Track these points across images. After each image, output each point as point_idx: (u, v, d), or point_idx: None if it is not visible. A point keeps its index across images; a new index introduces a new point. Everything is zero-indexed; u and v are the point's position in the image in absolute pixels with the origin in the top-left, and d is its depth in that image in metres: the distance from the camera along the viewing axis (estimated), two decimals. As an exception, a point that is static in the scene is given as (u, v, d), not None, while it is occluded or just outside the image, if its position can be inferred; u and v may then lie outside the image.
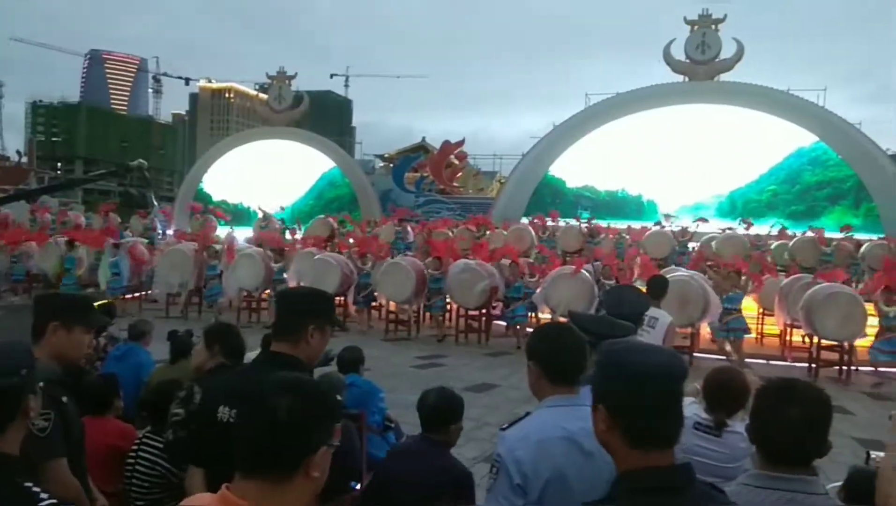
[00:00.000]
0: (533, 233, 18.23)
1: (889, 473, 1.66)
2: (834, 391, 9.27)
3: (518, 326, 11.69)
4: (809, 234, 17.06)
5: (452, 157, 28.54)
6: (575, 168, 24.60)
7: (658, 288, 5.55)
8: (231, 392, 2.18)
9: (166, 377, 3.96)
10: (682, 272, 11.05)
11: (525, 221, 21.30)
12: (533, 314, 11.90)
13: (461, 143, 28.44)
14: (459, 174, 29.79)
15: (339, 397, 3.96)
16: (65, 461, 2.23)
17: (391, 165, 30.80)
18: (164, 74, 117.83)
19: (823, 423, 1.85)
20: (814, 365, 10.35)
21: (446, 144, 27.98)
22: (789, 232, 17.89)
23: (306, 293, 2.51)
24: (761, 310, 12.44)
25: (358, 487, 4.43)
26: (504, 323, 12.30)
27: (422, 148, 31.75)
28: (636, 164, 23.52)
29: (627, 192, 24.63)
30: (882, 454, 2.59)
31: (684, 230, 17.57)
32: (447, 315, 12.61)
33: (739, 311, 10.33)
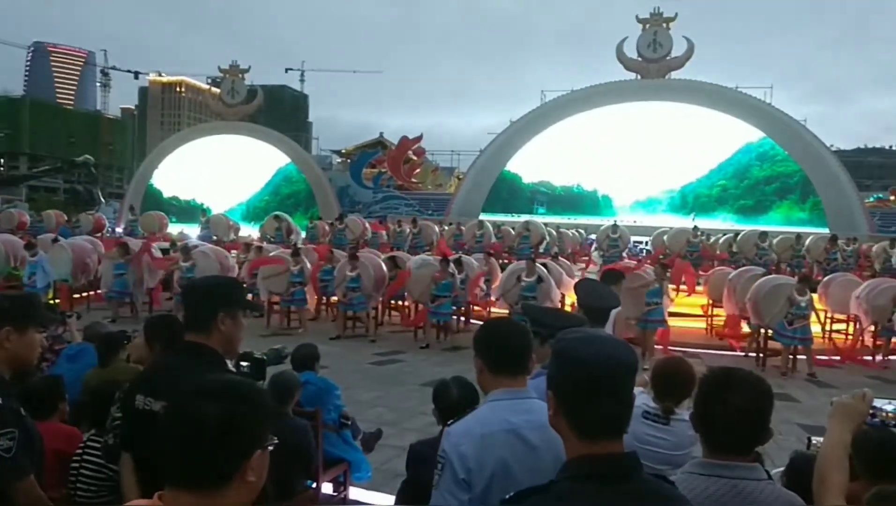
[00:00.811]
0: (491, 229, 18.36)
1: (825, 455, 1.74)
2: (780, 380, 9.71)
3: (441, 323, 11.46)
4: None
5: (410, 152, 28.49)
6: (531, 164, 24.87)
7: (612, 281, 5.66)
8: (148, 382, 2.20)
9: (102, 379, 3.83)
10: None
11: (484, 217, 21.41)
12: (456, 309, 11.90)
13: (419, 138, 28.41)
14: (418, 170, 29.77)
15: (291, 394, 3.95)
16: (32, 478, 2.17)
17: (349, 161, 30.56)
18: (113, 68, 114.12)
19: (765, 411, 1.91)
20: (761, 354, 10.70)
21: (404, 139, 27.92)
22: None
23: (213, 281, 2.48)
24: (710, 302, 12.79)
25: (314, 485, 4.42)
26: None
27: (380, 143, 31.60)
28: (591, 159, 23.91)
29: (583, 187, 25.03)
30: (822, 439, 2.71)
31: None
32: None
33: (659, 303, 10.56)
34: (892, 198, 24.39)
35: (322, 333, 11.50)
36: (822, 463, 1.73)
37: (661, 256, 17.30)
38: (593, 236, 19.33)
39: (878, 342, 11.29)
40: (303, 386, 4.20)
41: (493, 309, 12.17)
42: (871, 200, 25.45)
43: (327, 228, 19.34)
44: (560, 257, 15.15)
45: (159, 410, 2.06)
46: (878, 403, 1.81)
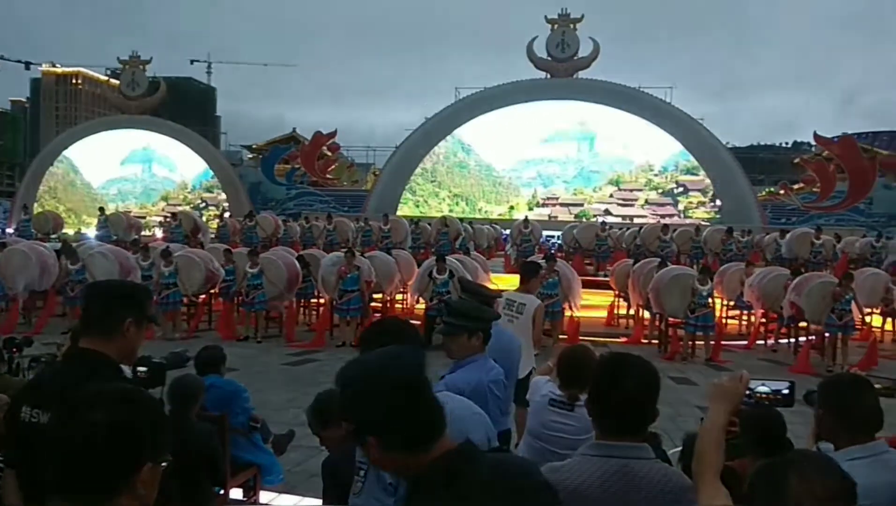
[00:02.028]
0: (408, 226, 18.37)
1: (703, 435, 1.84)
2: (681, 365, 10.24)
3: (349, 320, 11.23)
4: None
5: (325, 148, 28.03)
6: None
7: (529, 273, 5.79)
8: (35, 392, 2.08)
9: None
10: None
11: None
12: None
13: (333, 134, 27.97)
14: (333, 166, 29.32)
15: (194, 399, 3.82)
16: None
17: (260, 157, 29.70)
18: (1, 58, 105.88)
19: (653, 393, 2.02)
20: (663, 342, 11.25)
21: (318, 134, 27.39)
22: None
23: (124, 284, 2.38)
24: (617, 292, 13.33)
25: (222, 491, 4.29)
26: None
27: (292, 139, 30.86)
28: (507, 154, 24.42)
29: (501, 182, 25.55)
30: (710, 419, 2.88)
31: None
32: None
33: (557, 295, 10.92)
34: (781, 192, 26.11)
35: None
36: (700, 443, 1.83)
37: (571, 251, 17.93)
38: (507, 231, 19.70)
39: (770, 327, 12.12)
40: (207, 390, 4.07)
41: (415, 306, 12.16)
42: (763, 193, 27.19)
43: (238, 225, 18.77)
44: (475, 252, 15.37)
45: (47, 422, 1.94)
46: (752, 384, 1.92)
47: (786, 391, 1.94)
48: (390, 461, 1.42)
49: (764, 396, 1.94)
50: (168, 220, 20.60)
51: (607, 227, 18.16)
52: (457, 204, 25.42)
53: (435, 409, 1.43)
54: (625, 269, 12.91)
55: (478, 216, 23.49)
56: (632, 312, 12.82)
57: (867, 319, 11.98)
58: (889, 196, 23.31)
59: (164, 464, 1.30)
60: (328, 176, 28.59)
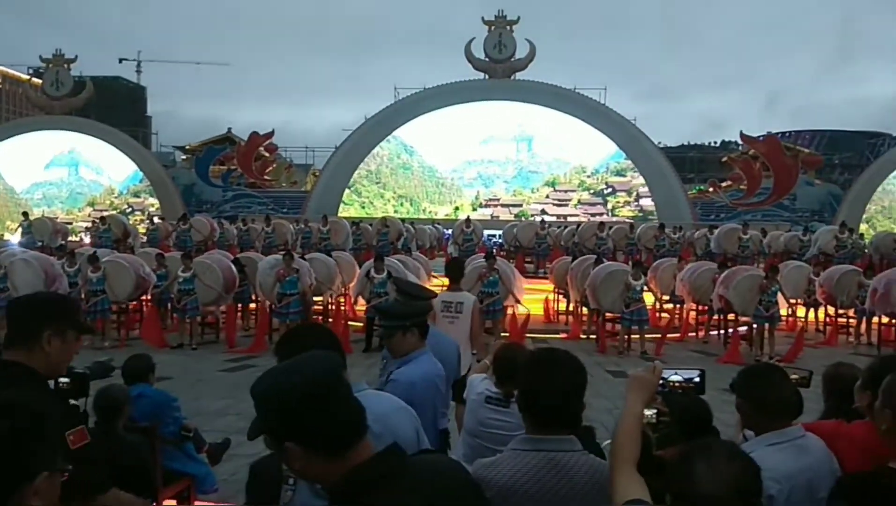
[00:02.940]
0: (348, 226, 18.22)
1: (619, 425, 1.89)
2: (617, 358, 10.51)
3: (288, 324, 10.84)
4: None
5: (262, 149, 27.45)
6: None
7: (457, 271, 5.81)
8: None
9: None
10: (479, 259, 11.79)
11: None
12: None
13: (270, 134, 27.42)
14: (271, 167, 28.75)
15: (119, 410, 3.67)
16: None
17: (194, 158, 28.83)
18: None
19: (581, 389, 2.06)
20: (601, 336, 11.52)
21: (254, 135, 26.78)
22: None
23: (40, 297, 2.32)
24: (555, 288, 13.58)
25: (154, 504, 4.13)
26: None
27: (227, 139, 30.04)
28: (449, 156, 24.54)
29: (444, 183, 25.65)
30: (645, 411, 2.96)
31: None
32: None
33: (498, 293, 11.04)
34: (710, 190, 27.10)
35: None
36: (615, 434, 1.87)
37: (512, 249, 18.16)
38: (449, 231, 19.78)
39: (701, 319, 12.58)
40: (135, 400, 3.92)
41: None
42: (694, 191, 28.19)
43: (170, 229, 18.19)
44: (416, 252, 15.38)
45: None
46: (665, 373, 1.98)
47: (697, 379, 2.01)
48: (312, 469, 1.39)
49: (676, 384, 1.99)
50: (96, 223, 19.79)
51: (546, 225, 18.47)
52: (402, 205, 25.40)
53: (352, 411, 1.42)
54: (563, 266, 13.17)
55: (423, 217, 23.52)
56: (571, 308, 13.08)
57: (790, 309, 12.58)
58: (811, 192, 24.54)
59: (64, 472, 1.27)
60: (266, 177, 28.01)
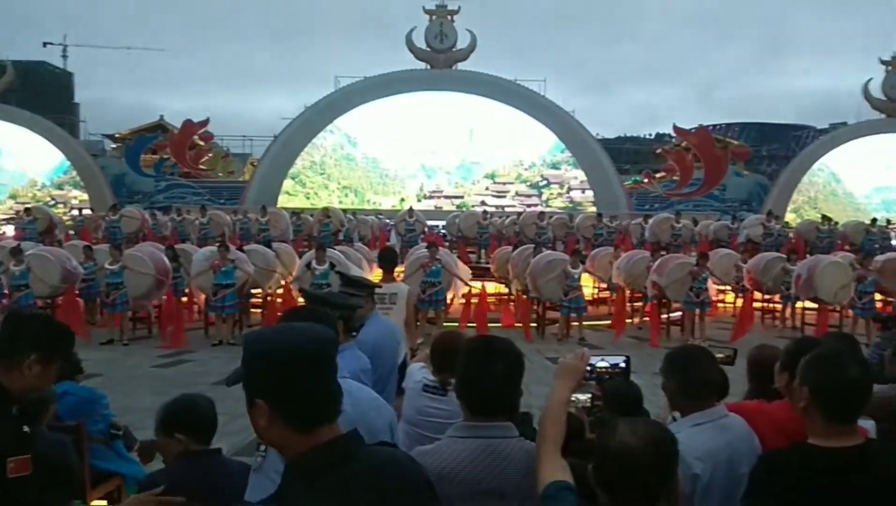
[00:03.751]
0: (287, 217, 17.91)
1: (545, 411, 1.93)
2: (557, 345, 10.72)
3: (224, 317, 10.83)
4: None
5: (196, 137, 26.63)
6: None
7: (390, 262, 5.79)
8: None
9: None
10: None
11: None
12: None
13: (205, 122, 26.62)
14: (206, 156, 27.93)
15: (43, 408, 3.51)
16: None
17: (124, 146, 27.71)
18: None
19: (519, 376, 2.09)
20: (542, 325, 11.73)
21: (188, 123, 25.92)
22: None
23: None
24: (497, 278, 13.73)
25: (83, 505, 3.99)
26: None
27: (160, 127, 28.99)
28: (392, 147, 24.39)
29: (387, 174, 25.51)
30: (580, 396, 3.03)
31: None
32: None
33: (440, 283, 11.10)
34: (645, 181, 27.86)
35: (94, 339, 10.41)
36: (542, 418, 1.92)
37: (455, 239, 18.23)
38: (391, 222, 19.69)
39: (636, 306, 12.96)
40: (60, 398, 3.75)
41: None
42: (630, 182, 28.93)
43: (100, 220, 17.47)
44: (358, 244, 15.26)
45: None
46: (593, 360, 2.04)
47: (622, 365, 2.08)
48: (274, 434, 1.39)
49: (603, 370, 2.06)
50: (20, 214, 18.80)
51: (488, 216, 18.64)
52: (346, 196, 25.13)
53: (331, 393, 1.42)
54: (505, 255, 13.32)
55: (368, 208, 23.33)
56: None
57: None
58: (740, 183, 25.56)
59: None
60: (201, 167, 27.20)
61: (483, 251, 17.42)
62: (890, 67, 23.94)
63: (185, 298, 12.00)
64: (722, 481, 2.16)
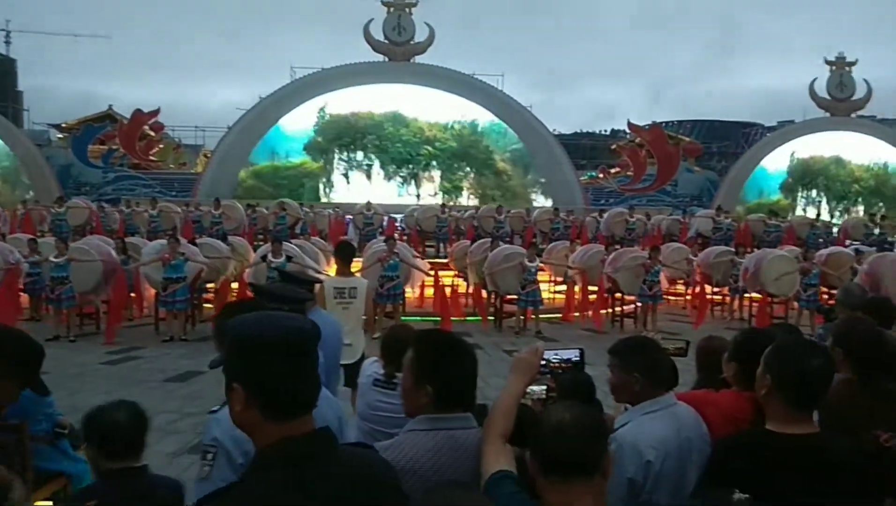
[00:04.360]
0: (242, 210, 17.59)
1: (496, 403, 1.95)
2: (514, 338, 10.81)
3: (175, 312, 10.55)
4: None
5: (147, 127, 25.90)
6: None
7: (346, 256, 5.75)
8: None
9: None
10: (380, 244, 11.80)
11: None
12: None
13: (156, 112, 25.90)
14: (157, 147, 27.18)
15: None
16: None
17: (71, 137, 26.75)
18: None
19: (476, 370, 2.10)
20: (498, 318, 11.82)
21: (138, 113, 25.18)
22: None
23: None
24: (456, 273, 13.75)
25: (25, 507, 3.85)
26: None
27: (108, 117, 28.06)
28: (348, 137, 24.13)
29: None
30: (535, 388, 3.05)
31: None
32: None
33: (398, 277, 11.11)
34: (601, 176, 28.31)
35: (40, 334, 10.03)
36: (492, 409, 1.95)
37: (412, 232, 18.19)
38: (349, 216, 19.53)
39: (592, 299, 13.15)
40: (0, 397, 3.60)
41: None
42: (586, 177, 29.34)
43: (45, 213, 16.86)
44: (315, 237, 15.09)
45: None
46: (547, 354, 2.06)
47: (575, 358, 2.10)
48: (247, 420, 1.38)
49: (557, 364, 2.08)
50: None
51: (447, 210, 18.66)
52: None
53: (309, 385, 1.41)
54: (462, 249, 13.36)
55: (325, 201, 23.05)
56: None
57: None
58: (691, 179, 26.17)
59: None
60: (151, 158, 26.46)
61: (441, 245, 17.43)
62: (834, 67, 24.83)
63: (133, 294, 11.70)
64: (673, 468, 2.21)
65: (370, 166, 24.04)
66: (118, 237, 12.21)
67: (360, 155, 24.03)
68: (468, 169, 24.29)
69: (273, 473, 1.33)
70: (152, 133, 26.32)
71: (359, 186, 23.58)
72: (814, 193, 25.59)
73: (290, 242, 12.25)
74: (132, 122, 25.08)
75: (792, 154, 25.92)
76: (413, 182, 20.58)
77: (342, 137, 23.93)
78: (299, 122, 24.00)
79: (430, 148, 24.01)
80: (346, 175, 22.26)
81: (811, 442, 1.93)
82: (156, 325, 10.91)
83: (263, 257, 10.64)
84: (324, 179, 23.78)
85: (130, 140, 24.91)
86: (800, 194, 25.44)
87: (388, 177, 23.48)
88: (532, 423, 2.22)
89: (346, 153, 24.09)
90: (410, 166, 23.86)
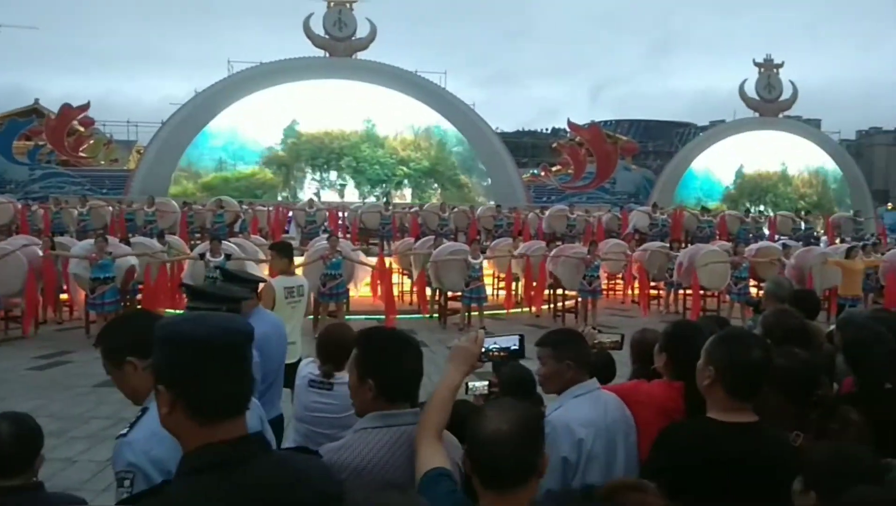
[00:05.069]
0: (178, 207, 17.08)
1: (433, 395, 1.95)
2: (459, 335, 10.87)
3: (105, 315, 10.04)
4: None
5: (76, 122, 24.83)
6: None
7: (289, 251, 5.70)
8: None
9: None
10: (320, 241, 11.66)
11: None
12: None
13: (86, 107, 24.86)
14: (87, 143, 26.09)
15: None
16: None
17: (-7, 132, 25.38)
18: None
19: (421, 363, 2.10)
20: (444, 316, 11.85)
21: (66, 107, 24.10)
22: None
23: None
24: (399, 270, 13.71)
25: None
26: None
27: (34, 111, 26.81)
28: (322, 158, 23.79)
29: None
30: (476, 383, 3.07)
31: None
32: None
33: (341, 275, 11.03)
34: (542, 174, 28.70)
35: None
36: (428, 402, 1.92)
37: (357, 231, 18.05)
38: (290, 213, 19.21)
39: (533, 293, 13.34)
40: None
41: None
42: (527, 175, 29.71)
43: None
44: (255, 235, 14.80)
45: None
46: (486, 343, 2.04)
47: (515, 347, 2.10)
48: (173, 423, 1.33)
49: (496, 353, 2.08)
50: None
51: (390, 207, 18.60)
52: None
53: (238, 388, 1.36)
54: (406, 247, 13.33)
55: (267, 198, 22.58)
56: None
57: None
58: (628, 177, 26.85)
59: None
60: (81, 154, 25.38)
61: (385, 243, 17.35)
62: (762, 69, 25.89)
63: (64, 295, 11.21)
64: (602, 447, 2.33)
65: (343, 186, 23.98)
66: (46, 236, 11.66)
67: (333, 175, 23.84)
68: (436, 186, 24.44)
69: (198, 479, 1.28)
70: (82, 128, 25.29)
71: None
72: (762, 207, 26.30)
73: (229, 241, 11.96)
74: (60, 116, 24.01)
75: (739, 168, 26.80)
76: (385, 199, 20.53)
77: (316, 157, 23.86)
78: (262, 134, 23.62)
79: (404, 168, 24.20)
80: (317, 194, 21.93)
81: (750, 431, 2.01)
82: (86, 328, 10.48)
83: (201, 256, 10.35)
84: (284, 194, 23.38)
85: (58, 135, 23.84)
86: (743, 208, 26.12)
87: (363, 196, 23.40)
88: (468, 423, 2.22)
89: (318, 173, 23.92)
90: (384, 185, 23.92)
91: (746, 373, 2.03)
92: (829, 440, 2.14)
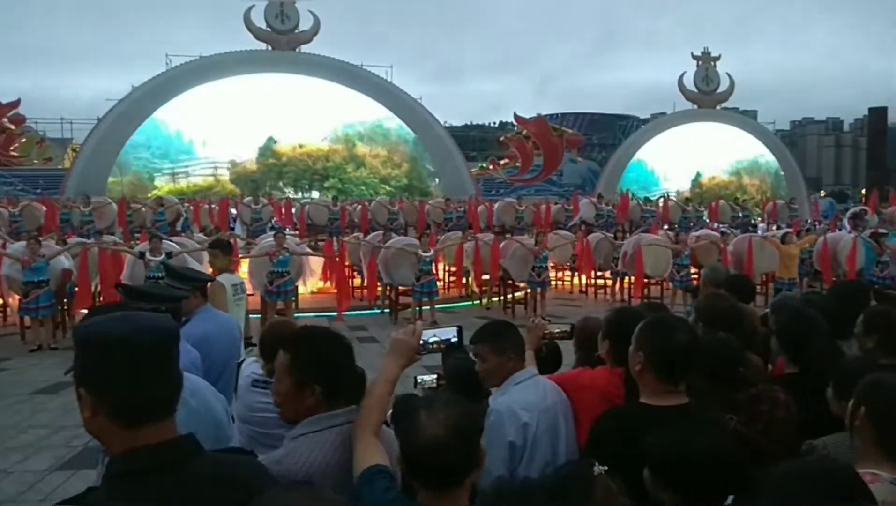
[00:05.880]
0: (114, 207, 16.48)
1: (370, 389, 1.94)
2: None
3: (41, 319, 9.69)
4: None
5: (6, 120, 23.77)
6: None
7: (228, 249, 5.63)
8: None
9: None
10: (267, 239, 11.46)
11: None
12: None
13: (16, 103, 23.86)
14: (18, 142, 24.97)
15: None
16: None
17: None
18: None
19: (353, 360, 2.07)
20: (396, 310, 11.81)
21: (-5, 104, 23.06)
22: None
23: None
24: (349, 264, 13.59)
25: None
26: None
27: (-40, 109, 25.50)
28: (226, 129, 23.18)
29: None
30: (425, 377, 3.06)
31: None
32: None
33: (289, 273, 10.83)
34: (490, 167, 28.90)
35: None
36: (366, 397, 1.90)
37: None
38: (234, 210, 18.79)
39: (483, 288, 13.44)
40: None
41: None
42: (476, 168, 29.86)
43: None
44: (198, 234, 14.42)
45: None
46: (425, 335, 2.03)
47: (454, 339, 2.10)
48: (96, 427, 1.28)
49: (435, 345, 2.07)
50: None
51: (338, 203, 18.41)
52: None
53: (163, 388, 1.31)
54: (356, 242, 13.21)
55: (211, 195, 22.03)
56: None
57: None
58: (574, 169, 27.34)
59: None
60: (12, 153, 24.32)
61: (334, 239, 17.16)
62: (700, 62, 26.63)
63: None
64: (546, 430, 2.42)
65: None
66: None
67: (315, 194, 23.60)
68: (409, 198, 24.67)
69: (121, 485, 1.24)
70: (12, 126, 24.26)
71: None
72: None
73: (171, 240, 11.63)
74: (-13, 114, 22.90)
75: (697, 175, 27.43)
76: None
77: (299, 179, 23.97)
78: (239, 151, 23.19)
79: (386, 186, 24.45)
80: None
81: (680, 413, 2.06)
82: (21, 334, 10.02)
83: (141, 255, 10.03)
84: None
85: (-14, 134, 22.73)
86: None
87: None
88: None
89: (300, 193, 23.75)
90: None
91: (672, 357, 2.08)
92: (759, 422, 2.21)
